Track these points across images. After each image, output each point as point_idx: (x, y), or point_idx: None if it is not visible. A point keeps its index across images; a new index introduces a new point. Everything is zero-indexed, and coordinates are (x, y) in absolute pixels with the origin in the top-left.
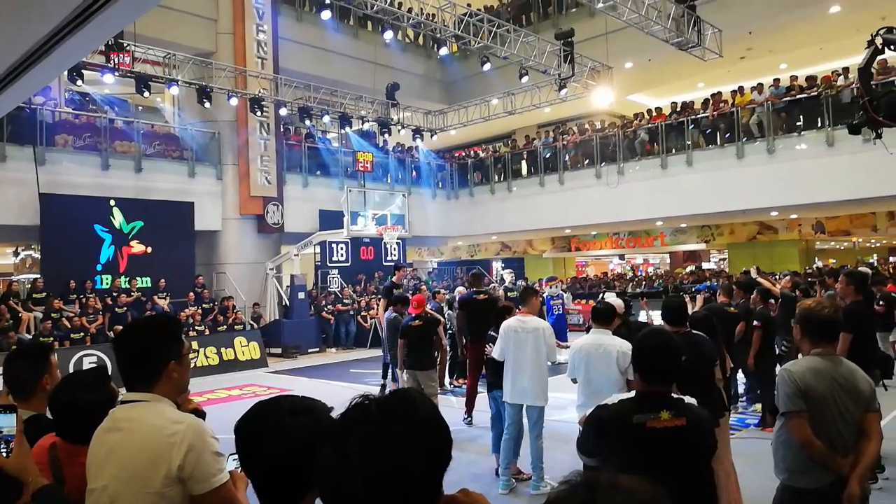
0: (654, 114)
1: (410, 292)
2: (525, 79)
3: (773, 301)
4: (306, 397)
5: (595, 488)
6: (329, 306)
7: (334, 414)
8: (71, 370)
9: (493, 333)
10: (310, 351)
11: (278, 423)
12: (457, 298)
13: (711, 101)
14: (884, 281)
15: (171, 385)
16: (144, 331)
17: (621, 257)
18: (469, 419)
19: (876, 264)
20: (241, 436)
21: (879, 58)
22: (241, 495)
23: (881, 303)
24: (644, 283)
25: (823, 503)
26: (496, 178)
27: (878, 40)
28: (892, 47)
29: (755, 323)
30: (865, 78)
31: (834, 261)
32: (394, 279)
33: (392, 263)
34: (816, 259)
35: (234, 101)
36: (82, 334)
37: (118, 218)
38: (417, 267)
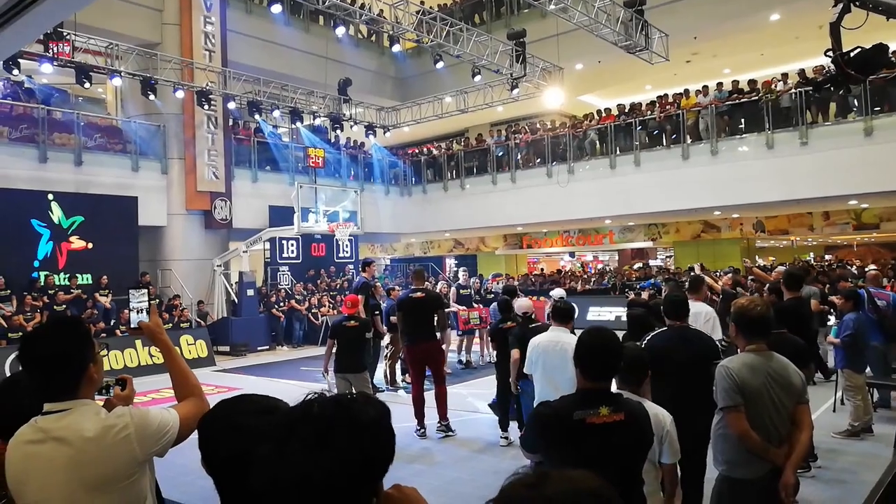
0: (604, 114)
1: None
2: (478, 78)
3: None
4: (270, 397)
5: (543, 477)
6: (280, 303)
7: None
8: (7, 369)
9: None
10: (259, 349)
11: (240, 422)
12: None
13: (658, 104)
14: (817, 279)
15: (91, 387)
16: (59, 338)
17: (572, 255)
18: (423, 430)
19: (812, 262)
20: (204, 433)
21: None
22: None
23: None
24: (593, 279)
25: (760, 492)
26: (449, 175)
27: None
28: (858, 3)
29: None
30: (836, 33)
31: (773, 258)
32: (364, 275)
33: (344, 260)
34: (757, 257)
35: (180, 94)
36: (19, 333)
37: (57, 212)
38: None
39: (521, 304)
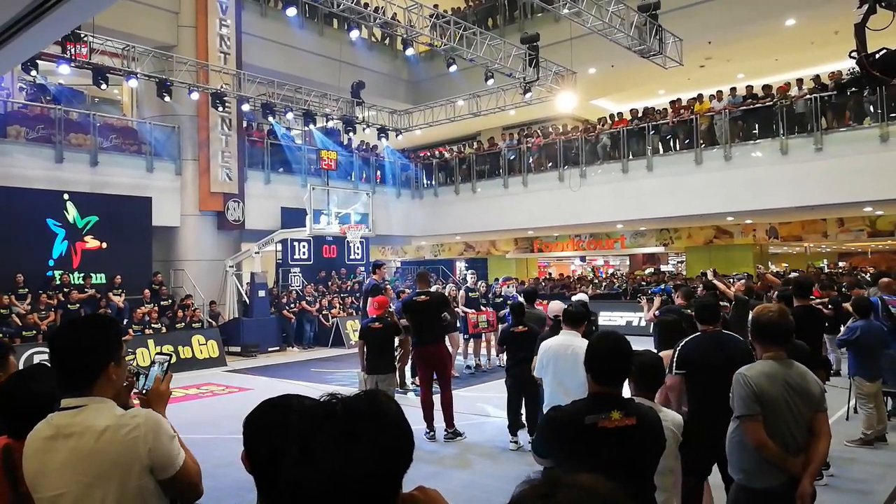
0: (616, 119)
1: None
2: (490, 81)
3: (727, 304)
4: (314, 398)
5: (555, 485)
6: (291, 305)
7: None
8: (22, 367)
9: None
10: (270, 350)
11: (283, 421)
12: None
13: (671, 108)
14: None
15: (109, 386)
16: (87, 332)
17: (582, 259)
18: (432, 433)
19: (826, 269)
20: (248, 431)
21: None
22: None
23: (829, 306)
24: (604, 284)
25: (777, 502)
26: (461, 178)
27: None
28: (884, 4)
29: None
30: (861, 34)
31: (786, 265)
32: (375, 277)
33: (355, 262)
34: (770, 263)
35: (195, 96)
36: (34, 332)
37: (72, 212)
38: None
39: (554, 307)
